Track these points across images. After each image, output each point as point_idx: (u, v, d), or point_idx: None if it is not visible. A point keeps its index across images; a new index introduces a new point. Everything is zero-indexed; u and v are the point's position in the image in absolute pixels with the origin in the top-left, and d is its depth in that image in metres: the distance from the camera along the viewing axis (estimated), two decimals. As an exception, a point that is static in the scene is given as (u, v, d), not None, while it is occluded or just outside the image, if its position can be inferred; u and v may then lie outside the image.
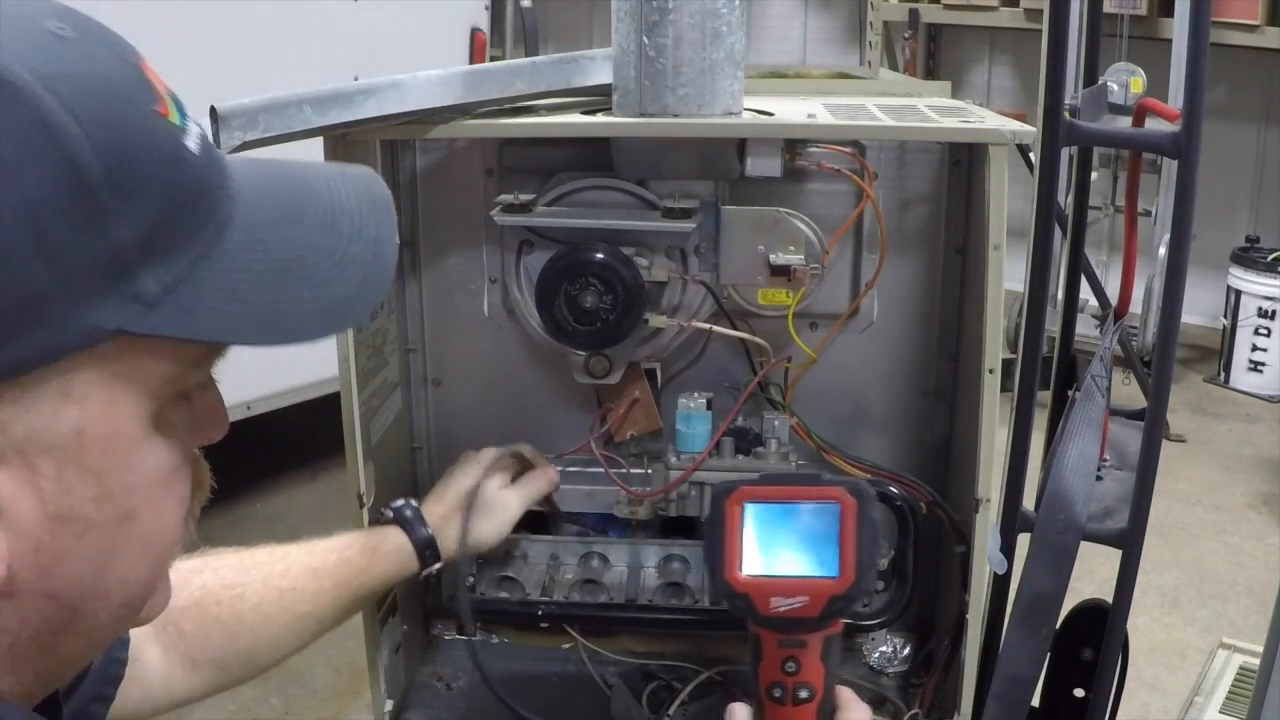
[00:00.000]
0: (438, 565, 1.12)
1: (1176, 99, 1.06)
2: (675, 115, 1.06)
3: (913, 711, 1.19)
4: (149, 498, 0.56)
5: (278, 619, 1.01)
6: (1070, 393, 1.31)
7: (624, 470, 1.24)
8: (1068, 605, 1.19)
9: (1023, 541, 1.12)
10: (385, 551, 1.09)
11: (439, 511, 1.14)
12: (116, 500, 0.54)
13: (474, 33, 3.57)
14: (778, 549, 0.87)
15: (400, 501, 1.13)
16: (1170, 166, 3.03)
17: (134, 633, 0.89)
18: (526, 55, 2.43)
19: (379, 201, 0.65)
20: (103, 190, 0.49)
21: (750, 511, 0.87)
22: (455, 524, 1.14)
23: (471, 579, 1.21)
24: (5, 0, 0.51)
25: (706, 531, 0.89)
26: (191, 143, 0.54)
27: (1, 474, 0.51)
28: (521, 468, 1.23)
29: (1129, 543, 1.10)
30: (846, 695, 0.89)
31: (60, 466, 0.52)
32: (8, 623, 0.54)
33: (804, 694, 0.86)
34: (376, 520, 1.13)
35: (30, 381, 0.50)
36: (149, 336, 0.52)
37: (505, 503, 1.17)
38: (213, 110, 0.90)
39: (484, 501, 1.16)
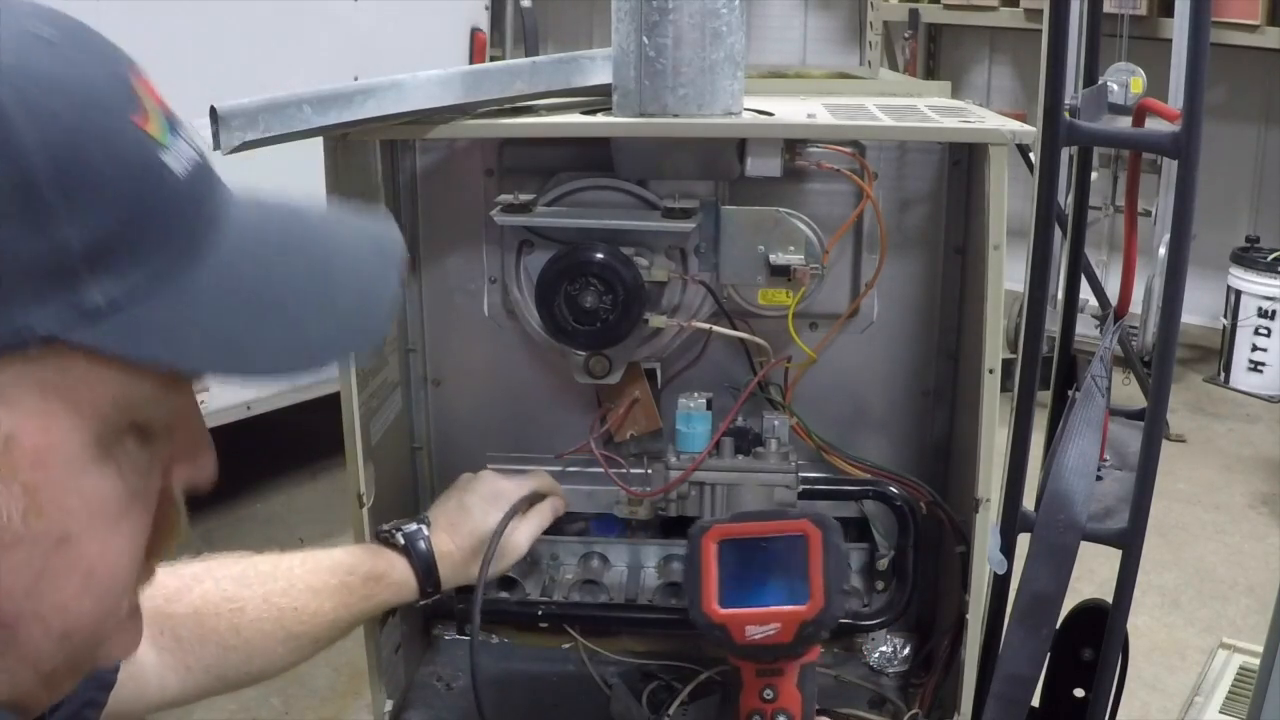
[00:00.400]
0: (434, 598, 1.11)
1: (1176, 99, 1.06)
2: (675, 115, 1.06)
3: (913, 711, 1.19)
4: (90, 526, 0.53)
5: (274, 635, 1.00)
6: (1070, 393, 1.31)
7: (624, 470, 1.24)
8: (1068, 605, 1.19)
9: (1023, 541, 1.12)
10: (389, 582, 1.07)
11: (449, 546, 1.11)
12: (49, 518, 0.51)
13: (474, 33, 3.57)
14: (750, 581, 0.92)
15: (413, 527, 1.10)
16: (1170, 166, 3.03)
17: None
18: (526, 55, 2.44)
19: (386, 254, 0.62)
20: (49, 190, 0.47)
21: (723, 548, 0.93)
22: (462, 563, 1.11)
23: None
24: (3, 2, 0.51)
25: (685, 569, 0.95)
26: (174, 162, 0.52)
27: None
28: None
29: (1129, 543, 1.10)
30: None
31: None
32: None
33: None
34: (385, 539, 1.10)
35: None
36: (86, 350, 0.49)
37: (516, 545, 1.15)
38: (213, 110, 0.90)
39: (499, 549, 1.13)
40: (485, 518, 1.13)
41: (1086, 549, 1.10)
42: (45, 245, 0.47)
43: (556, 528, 1.29)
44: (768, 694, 0.92)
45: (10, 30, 0.49)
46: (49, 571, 0.52)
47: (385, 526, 1.11)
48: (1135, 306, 1.52)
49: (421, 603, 1.11)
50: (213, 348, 0.52)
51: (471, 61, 3.56)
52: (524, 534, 1.16)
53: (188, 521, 0.60)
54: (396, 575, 1.08)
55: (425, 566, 1.09)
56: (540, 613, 1.23)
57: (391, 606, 1.11)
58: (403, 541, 1.09)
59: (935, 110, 1.16)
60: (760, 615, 0.91)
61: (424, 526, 1.11)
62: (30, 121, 0.47)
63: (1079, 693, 1.26)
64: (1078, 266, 1.40)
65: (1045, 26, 1.00)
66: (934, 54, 5.80)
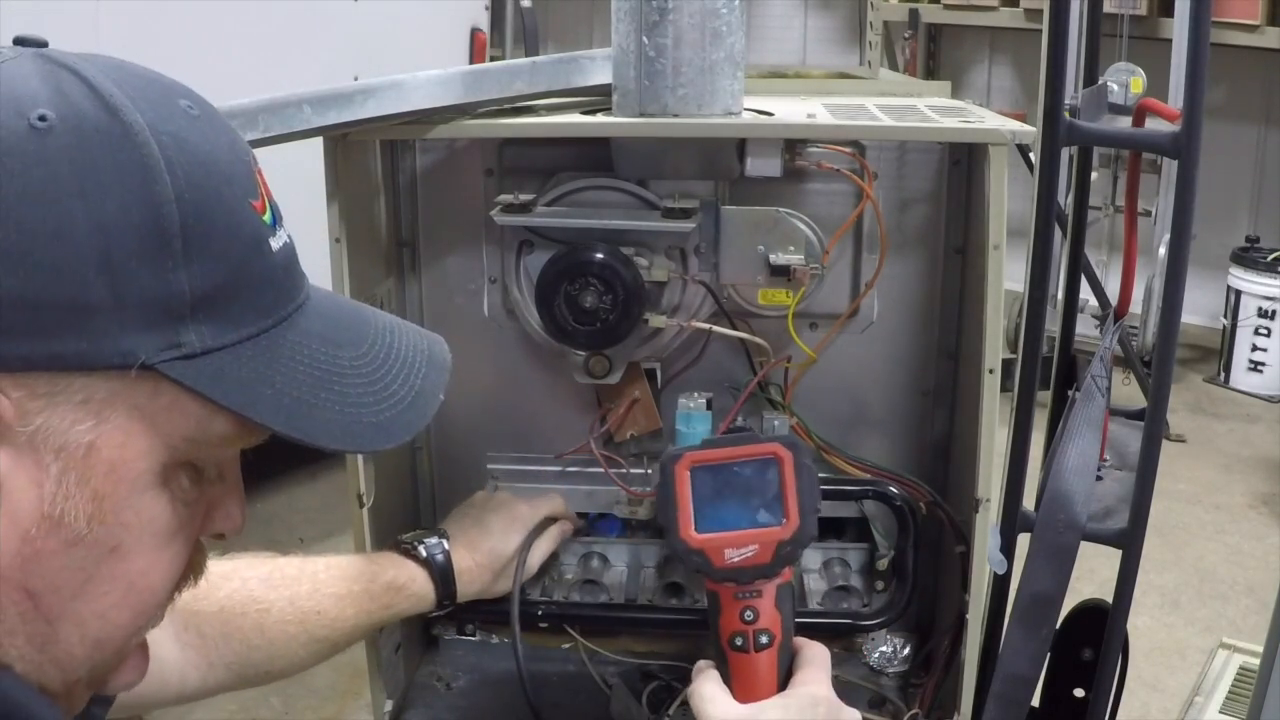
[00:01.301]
0: (448, 609, 1.15)
1: (1176, 99, 1.06)
2: (675, 115, 1.06)
3: (913, 711, 1.19)
4: (141, 543, 0.59)
5: (297, 638, 1.03)
6: (1070, 393, 1.31)
7: (624, 470, 1.24)
8: (1068, 605, 1.19)
9: (1023, 541, 1.12)
10: (408, 594, 1.10)
11: (468, 562, 1.14)
12: (109, 527, 0.57)
13: (474, 33, 3.57)
14: (725, 506, 0.94)
15: (434, 540, 1.13)
16: (1170, 166, 3.03)
17: (154, 632, 0.92)
18: (526, 55, 2.43)
19: (436, 360, 0.70)
20: (175, 240, 0.55)
21: (697, 474, 0.94)
22: (479, 580, 1.15)
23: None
24: (154, 73, 0.60)
25: (658, 498, 0.96)
26: (275, 243, 0.60)
27: (11, 457, 0.54)
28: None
29: (1129, 543, 1.10)
30: (803, 639, 0.97)
31: (65, 471, 0.55)
32: None
33: (764, 640, 0.93)
34: (406, 550, 1.12)
35: (62, 382, 0.54)
36: (176, 383, 0.56)
37: (528, 566, 1.19)
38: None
39: (509, 568, 1.18)
40: (505, 538, 1.18)
41: (1086, 549, 1.10)
42: (163, 285, 0.55)
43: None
44: (748, 615, 0.94)
45: (167, 99, 0.58)
46: (97, 577, 0.58)
47: (406, 538, 1.14)
48: (1135, 306, 1.52)
49: (435, 614, 1.15)
50: (280, 408, 0.59)
51: (471, 61, 3.56)
52: (536, 556, 1.20)
53: (205, 569, 0.67)
54: (416, 587, 1.11)
55: (444, 580, 1.12)
56: (540, 613, 1.23)
57: (408, 616, 1.14)
58: (424, 554, 1.12)
59: (935, 110, 1.16)
60: (738, 538, 0.93)
61: (444, 541, 1.14)
62: (176, 180, 0.55)
63: (1079, 693, 1.26)
64: (1078, 266, 1.40)
65: (1045, 26, 1.00)
66: (934, 54, 5.80)
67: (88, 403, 0.55)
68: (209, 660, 0.99)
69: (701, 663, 0.97)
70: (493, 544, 1.17)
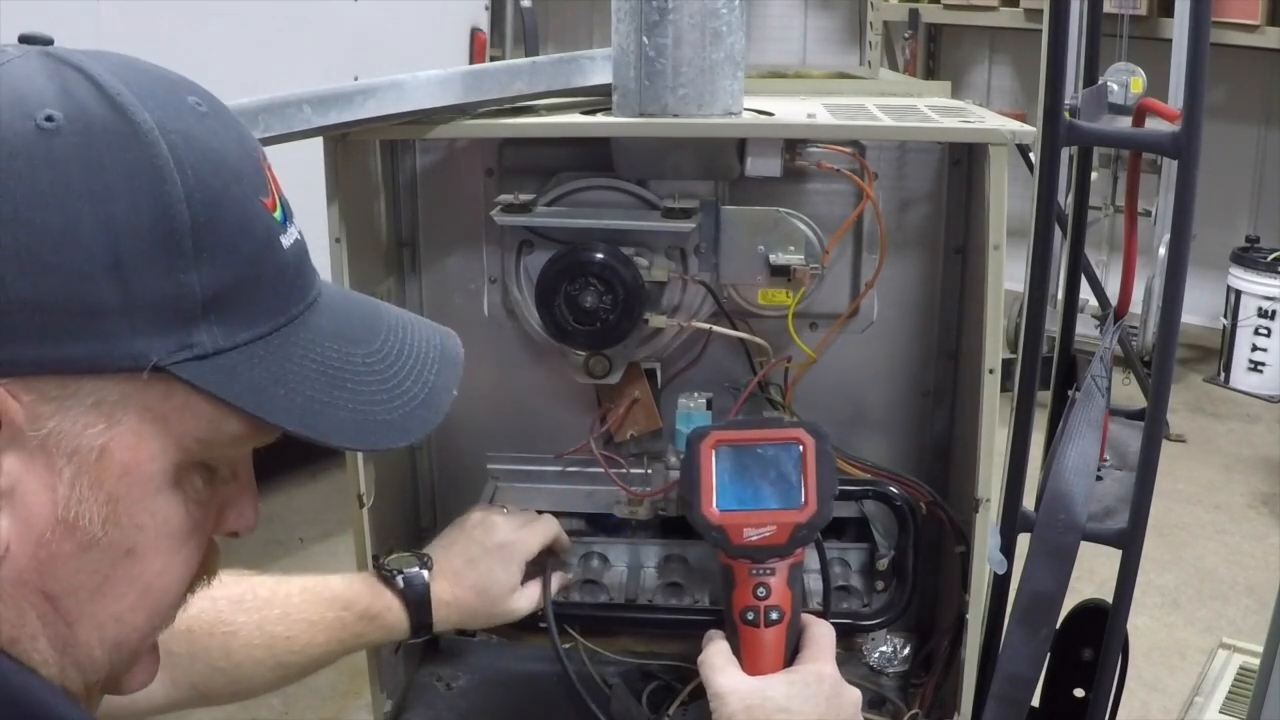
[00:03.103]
0: (423, 640, 1.14)
1: (1176, 99, 1.06)
2: (675, 115, 1.06)
3: (913, 711, 1.19)
4: (156, 544, 0.59)
5: (264, 662, 1.02)
6: (1070, 393, 1.31)
7: (624, 470, 1.24)
8: (1068, 605, 1.19)
9: (1023, 541, 1.12)
10: (382, 623, 1.08)
11: (448, 595, 1.11)
12: (124, 530, 0.57)
13: (474, 33, 3.57)
14: (747, 485, 0.98)
15: (414, 569, 1.10)
16: (1170, 166, 3.03)
17: None
18: (526, 55, 2.44)
19: (449, 355, 0.70)
20: (186, 240, 0.54)
21: (722, 453, 0.99)
22: (459, 614, 1.13)
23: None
24: (162, 69, 0.59)
25: (683, 473, 1.00)
26: (286, 240, 0.60)
27: (21, 462, 0.54)
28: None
29: (1129, 543, 1.10)
30: (810, 617, 1.01)
31: (78, 475, 0.55)
32: (5, 609, 0.56)
33: (774, 616, 0.97)
34: (386, 578, 1.10)
35: (73, 385, 0.54)
36: (188, 384, 0.55)
37: (514, 610, 1.17)
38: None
39: (495, 607, 1.15)
40: (489, 573, 1.14)
41: (1086, 549, 1.10)
42: (174, 286, 0.54)
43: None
44: (760, 592, 0.98)
45: (175, 96, 0.57)
46: (113, 580, 0.58)
47: (387, 563, 1.11)
48: (1135, 306, 1.52)
49: (410, 642, 1.13)
50: (292, 407, 0.59)
51: (471, 61, 3.56)
52: (527, 599, 1.17)
53: (218, 569, 0.67)
54: (391, 618, 1.09)
55: (420, 612, 1.10)
56: (540, 613, 1.23)
57: (380, 644, 1.13)
58: (401, 585, 1.10)
59: (935, 110, 1.16)
60: (757, 518, 0.97)
61: (425, 571, 1.11)
62: (186, 179, 0.54)
63: (1079, 693, 1.26)
64: (1078, 266, 1.40)
65: (1045, 26, 1.00)
66: (934, 54, 5.80)
67: (99, 405, 0.54)
68: (174, 678, 0.97)
69: (713, 631, 1.01)
70: (476, 578, 1.13)
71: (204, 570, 0.65)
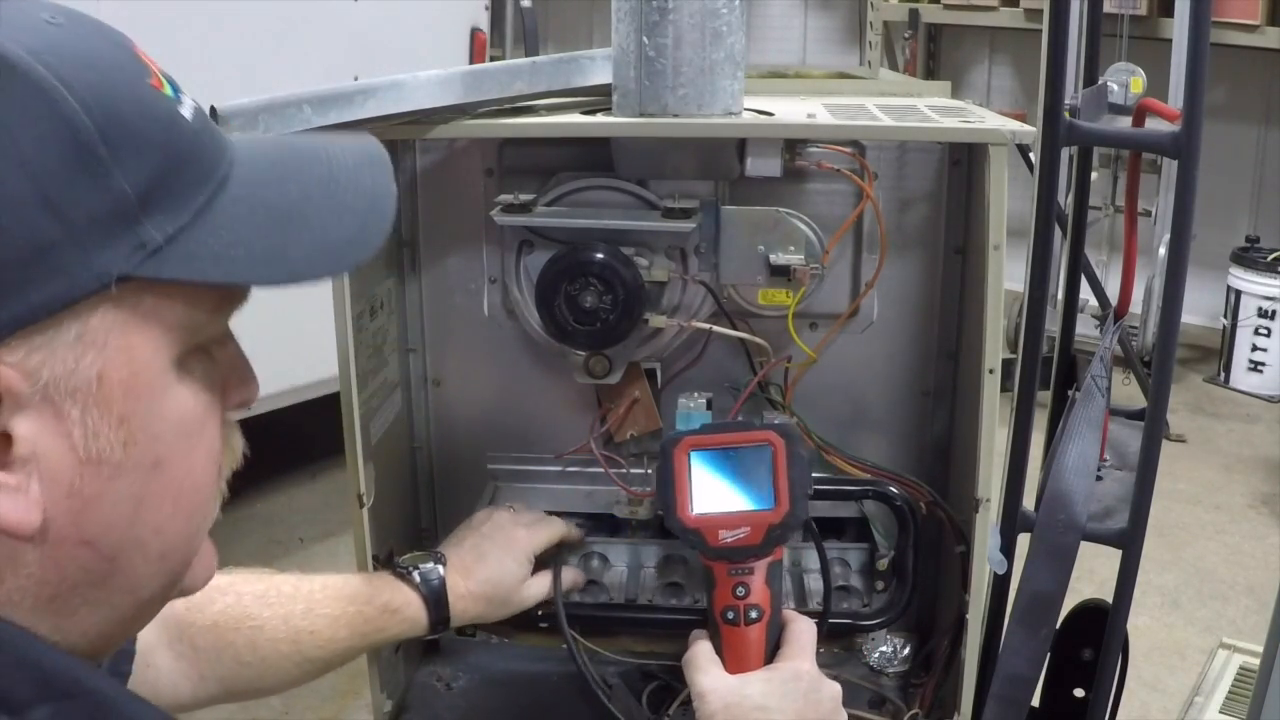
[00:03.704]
0: (441, 634, 1.15)
1: (1176, 99, 1.06)
2: (675, 115, 1.06)
3: (913, 711, 1.19)
4: (175, 446, 0.59)
5: (290, 656, 1.03)
6: (1070, 393, 1.31)
7: (624, 470, 1.24)
8: (1068, 605, 1.19)
9: (1023, 541, 1.12)
10: (402, 618, 1.10)
11: (462, 589, 1.13)
12: (143, 446, 0.57)
13: (474, 33, 3.57)
14: (721, 488, 1.01)
15: (429, 565, 1.12)
16: (1170, 166, 3.03)
17: (149, 638, 0.94)
18: (526, 55, 2.43)
19: (375, 158, 0.69)
20: (99, 148, 0.53)
21: (695, 458, 1.01)
22: (473, 607, 1.15)
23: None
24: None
25: (658, 478, 1.03)
26: (186, 111, 0.59)
27: (32, 422, 0.54)
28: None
29: (1129, 543, 1.10)
30: (791, 614, 1.03)
31: (85, 411, 0.55)
32: (47, 572, 0.57)
33: (754, 614, 0.99)
34: (401, 575, 1.12)
35: (51, 328, 0.53)
36: (156, 281, 0.56)
37: (525, 600, 1.19)
38: (212, 110, 0.90)
39: (510, 597, 1.17)
40: (501, 566, 1.16)
41: (1086, 549, 1.10)
42: (105, 195, 0.54)
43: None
44: (740, 591, 1.00)
45: (26, 19, 0.56)
46: (147, 497, 0.59)
47: (403, 561, 1.13)
48: (1135, 306, 1.52)
49: (429, 638, 1.15)
50: (256, 261, 0.59)
51: (471, 61, 3.56)
52: (537, 588, 1.19)
53: (242, 443, 0.68)
54: (410, 611, 1.10)
55: (438, 606, 1.12)
56: (540, 613, 1.23)
57: (401, 639, 1.14)
58: (418, 580, 1.12)
59: (935, 110, 1.16)
60: (731, 520, 1.00)
61: (440, 566, 1.13)
62: (70, 92, 0.53)
63: (1079, 693, 1.26)
64: (1078, 266, 1.40)
65: (1045, 26, 1.00)
66: (934, 54, 5.80)
67: (82, 336, 0.54)
68: (200, 673, 0.99)
69: (697, 631, 1.03)
70: (488, 572, 1.15)
71: (228, 455, 0.66)
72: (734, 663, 0.99)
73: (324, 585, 1.07)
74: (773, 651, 1.00)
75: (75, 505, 0.56)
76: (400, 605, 1.10)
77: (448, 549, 1.17)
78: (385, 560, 1.17)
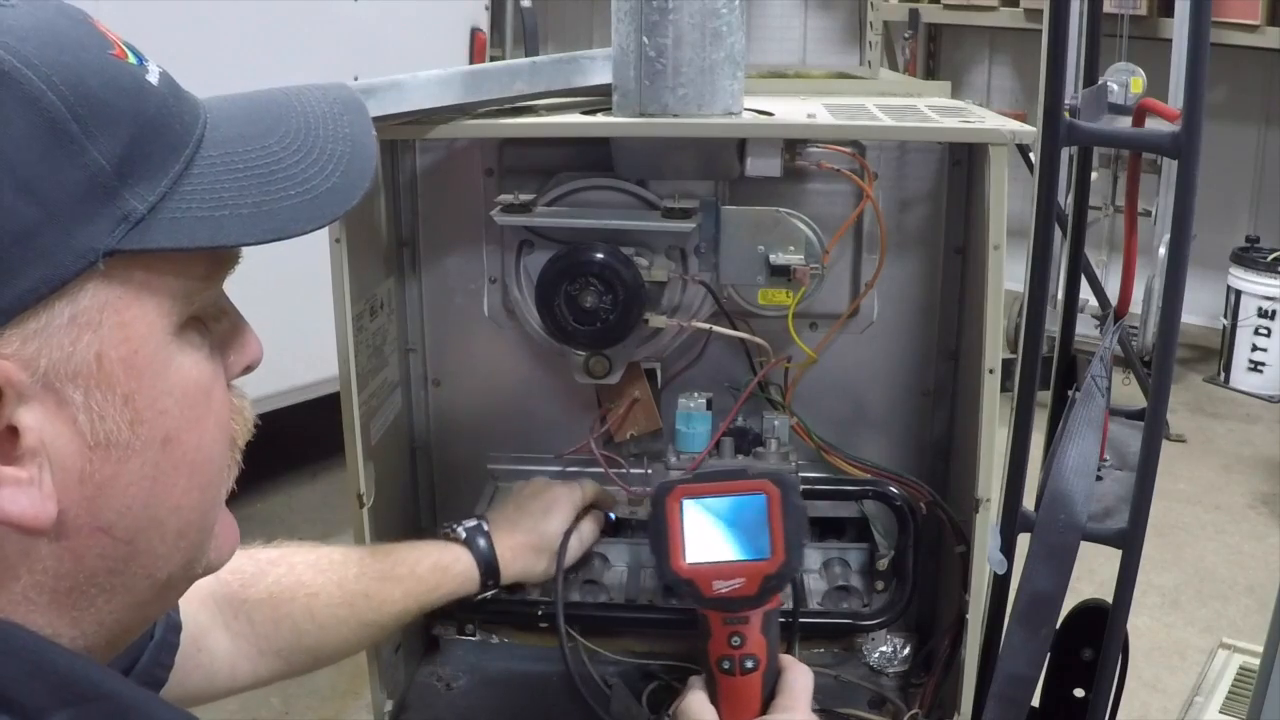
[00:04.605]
0: (493, 591, 1.15)
1: (1176, 99, 1.06)
2: (675, 115, 1.06)
3: (913, 711, 1.19)
4: (184, 419, 0.59)
5: (347, 622, 1.04)
6: (1070, 393, 1.31)
7: (624, 470, 1.24)
8: (1068, 605, 1.19)
9: (1023, 541, 1.12)
10: (453, 574, 1.11)
11: (508, 543, 1.15)
12: (150, 423, 0.57)
13: (474, 33, 3.57)
14: (715, 538, 0.98)
15: (473, 522, 1.15)
16: (1170, 166, 3.03)
17: (202, 621, 0.95)
18: (526, 55, 2.44)
19: (350, 104, 0.68)
20: (70, 125, 0.53)
21: (688, 506, 0.98)
22: (520, 560, 1.16)
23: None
24: None
25: (651, 528, 0.99)
26: (152, 78, 0.58)
27: (37, 412, 0.53)
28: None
29: (1129, 543, 1.10)
30: (788, 660, 1.00)
31: (88, 394, 0.54)
32: (63, 564, 0.56)
33: (749, 664, 0.97)
34: (446, 534, 1.14)
35: (44, 314, 0.53)
36: (143, 252, 0.55)
37: (569, 552, 1.20)
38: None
39: (554, 546, 1.18)
40: (545, 518, 1.18)
41: (1086, 549, 1.10)
42: (81, 172, 0.53)
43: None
44: (735, 641, 0.97)
45: None
46: (160, 474, 0.58)
47: (445, 525, 1.15)
48: (1135, 306, 1.52)
49: (480, 596, 1.14)
50: (243, 220, 0.58)
51: (471, 61, 3.56)
52: (575, 544, 1.20)
53: (250, 409, 0.67)
54: (460, 567, 1.12)
55: (486, 560, 1.13)
56: (540, 613, 1.23)
57: (454, 598, 1.13)
58: (464, 536, 1.13)
59: (935, 110, 1.16)
60: (726, 570, 0.97)
61: (483, 523, 1.15)
62: (34, 72, 0.52)
63: (1079, 693, 1.26)
64: (1078, 266, 1.40)
65: (1045, 26, 1.00)
66: (934, 54, 5.80)
67: (76, 318, 0.54)
68: (259, 648, 1.00)
69: (693, 679, 1.01)
70: (531, 523, 1.17)
71: (240, 423, 0.65)
72: (730, 713, 0.97)
73: (372, 550, 1.08)
74: (769, 700, 0.98)
75: (89, 492, 0.55)
76: (450, 563, 1.11)
77: (490, 513, 1.19)
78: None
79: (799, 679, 0.98)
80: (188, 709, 0.64)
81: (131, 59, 0.58)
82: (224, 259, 0.61)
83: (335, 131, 0.65)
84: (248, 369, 0.66)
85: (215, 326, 0.63)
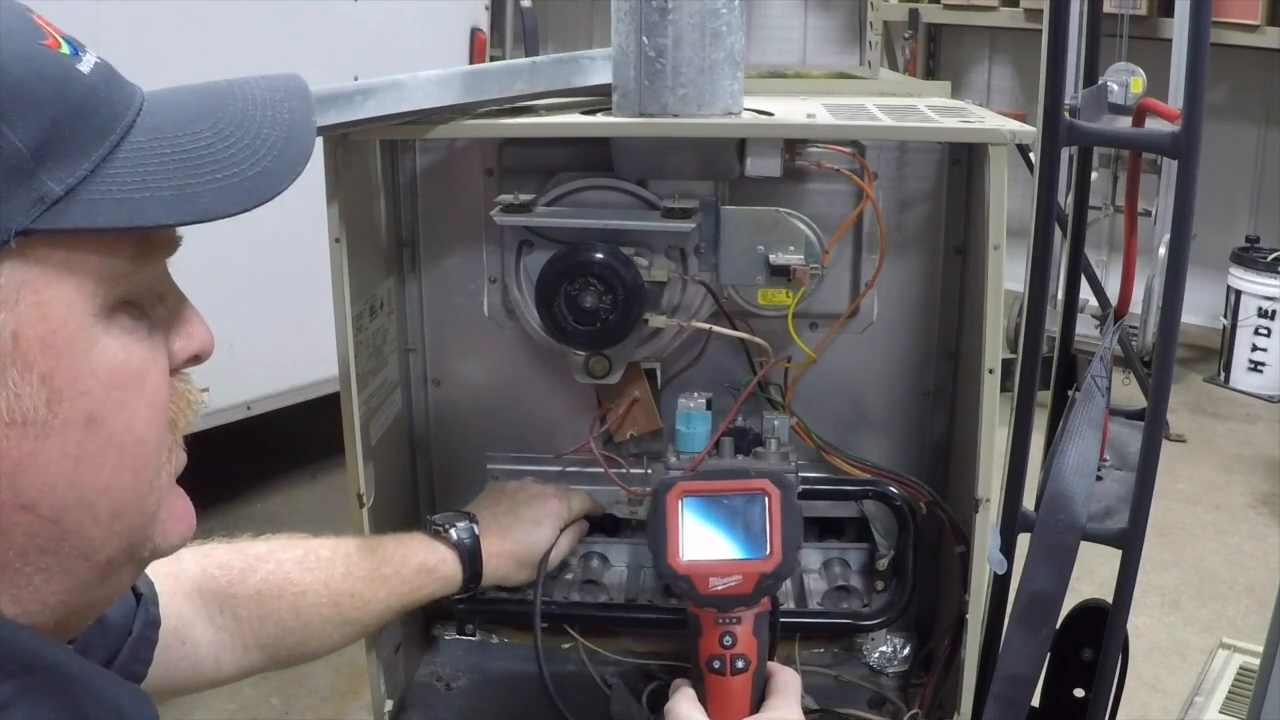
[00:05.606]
0: (472, 593, 1.16)
1: (1176, 99, 1.06)
2: (675, 115, 1.06)
3: (913, 711, 1.19)
4: (110, 400, 0.59)
5: (331, 620, 1.05)
6: (1070, 393, 1.31)
7: (624, 470, 1.24)
8: (1068, 605, 1.19)
9: (1023, 541, 1.12)
10: (438, 576, 1.12)
11: (496, 548, 1.15)
12: (71, 403, 0.57)
13: (474, 33, 3.57)
14: (713, 535, 0.99)
15: (464, 523, 1.15)
16: (1170, 166, 3.03)
17: (185, 614, 0.96)
18: (526, 55, 2.43)
19: (294, 90, 0.68)
20: None
21: (687, 504, 0.99)
22: (505, 566, 1.16)
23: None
24: None
25: (649, 523, 1.01)
26: (84, 67, 0.59)
27: None
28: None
29: (1129, 543, 1.10)
30: (776, 665, 1.01)
31: (4, 371, 0.55)
32: None
33: (740, 664, 0.98)
34: (437, 532, 1.14)
35: None
36: (61, 232, 0.55)
37: (547, 562, 1.20)
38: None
39: (536, 560, 1.18)
40: (536, 529, 1.19)
41: (1086, 549, 1.10)
42: None
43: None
44: (726, 640, 0.98)
45: None
46: (84, 455, 0.58)
47: (436, 519, 1.15)
48: (1135, 306, 1.52)
49: (458, 596, 1.15)
50: (163, 202, 0.58)
51: (471, 61, 3.56)
52: (557, 552, 1.21)
53: (199, 396, 0.67)
54: (446, 570, 1.12)
55: (472, 563, 1.13)
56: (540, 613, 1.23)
57: (434, 599, 1.14)
58: (454, 538, 1.13)
59: (935, 110, 1.16)
60: (722, 567, 0.98)
61: (474, 525, 1.15)
62: None
63: (1079, 693, 1.26)
64: (1078, 266, 1.40)
65: (1045, 26, 1.00)
66: (934, 54, 5.80)
67: None
68: (244, 642, 1.01)
69: (679, 681, 1.02)
70: (523, 533, 1.17)
71: (183, 408, 0.65)
72: (718, 713, 0.98)
73: (359, 547, 1.09)
74: (758, 702, 0.99)
75: (5, 468, 0.55)
76: (435, 564, 1.11)
77: (480, 510, 1.18)
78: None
79: (789, 681, 1.00)
80: (179, 697, 0.64)
81: (65, 49, 0.58)
82: (154, 242, 0.61)
83: (273, 118, 0.65)
84: (196, 358, 0.66)
85: (153, 311, 0.63)
